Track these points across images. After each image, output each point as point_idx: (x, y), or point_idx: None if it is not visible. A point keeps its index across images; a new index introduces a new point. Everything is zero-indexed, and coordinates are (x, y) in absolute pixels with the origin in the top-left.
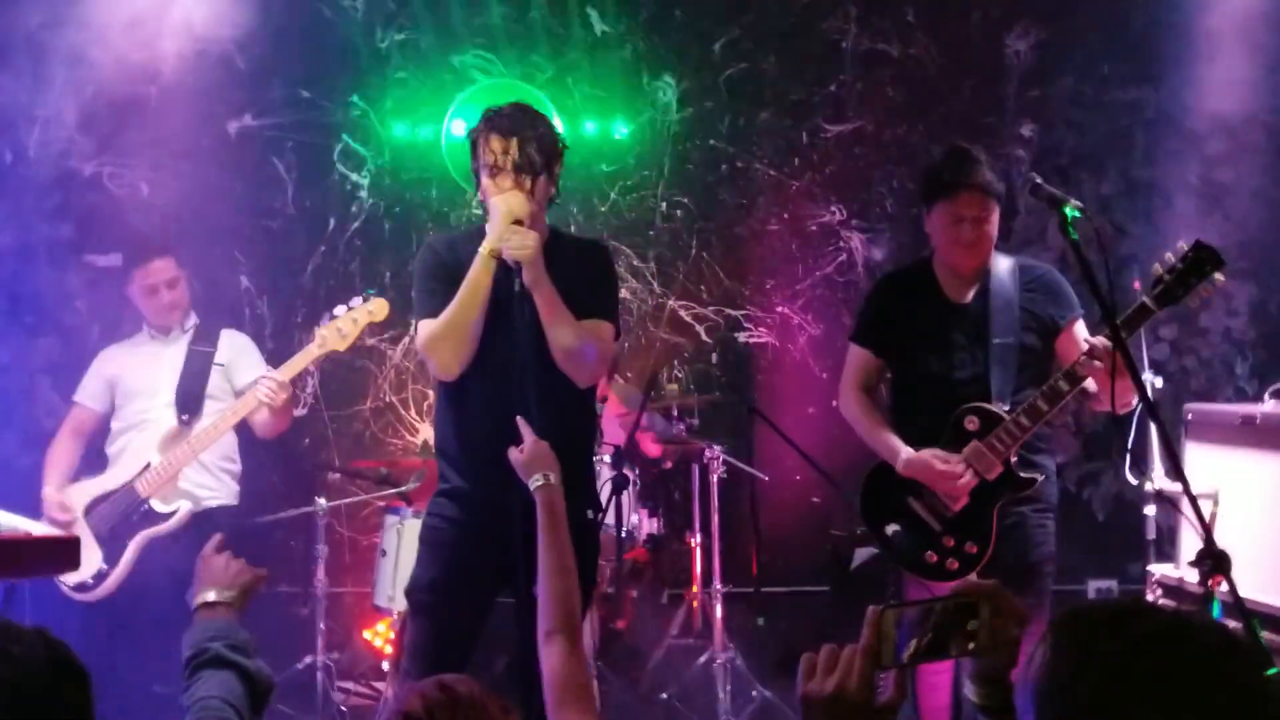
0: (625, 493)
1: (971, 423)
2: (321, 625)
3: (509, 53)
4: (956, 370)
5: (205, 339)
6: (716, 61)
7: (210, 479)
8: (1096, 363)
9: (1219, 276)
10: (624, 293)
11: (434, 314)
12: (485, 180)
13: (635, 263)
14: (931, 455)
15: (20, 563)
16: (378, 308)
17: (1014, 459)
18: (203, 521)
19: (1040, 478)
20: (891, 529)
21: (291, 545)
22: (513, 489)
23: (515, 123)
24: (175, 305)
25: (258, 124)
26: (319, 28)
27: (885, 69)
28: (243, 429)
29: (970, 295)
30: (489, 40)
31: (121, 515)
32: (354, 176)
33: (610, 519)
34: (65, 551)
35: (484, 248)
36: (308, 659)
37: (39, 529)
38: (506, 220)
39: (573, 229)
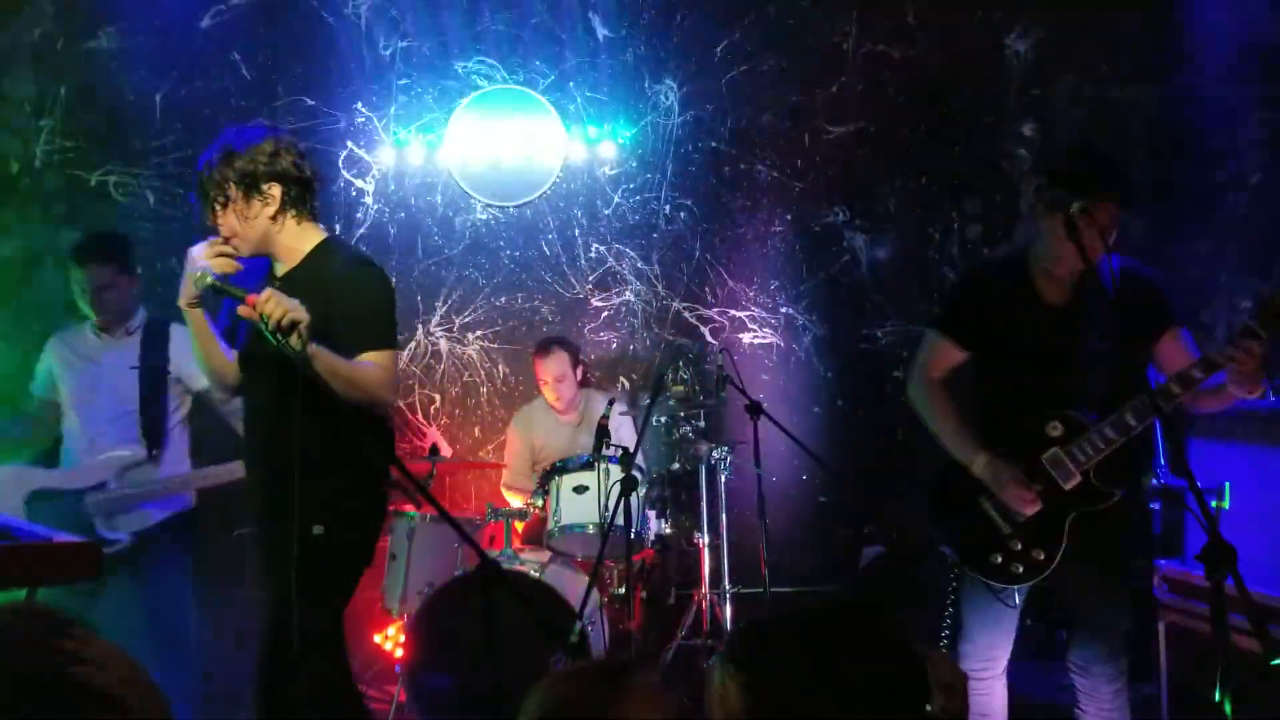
0: (634, 494)
1: (1055, 429)
2: None
3: (511, 59)
4: (1045, 373)
5: (156, 341)
6: (717, 65)
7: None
8: (1249, 346)
9: None
10: (628, 295)
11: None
12: None
13: (639, 265)
14: (1009, 469)
15: (41, 569)
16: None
17: (1094, 470)
18: (149, 543)
19: (1118, 494)
20: (955, 529)
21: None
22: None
23: (199, 172)
24: (109, 309)
25: None
26: (323, 36)
27: (886, 70)
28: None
29: (1067, 296)
30: (491, 46)
31: (60, 522)
32: (359, 183)
33: (619, 520)
34: (87, 558)
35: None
36: None
37: (61, 535)
38: (189, 280)
39: (577, 233)
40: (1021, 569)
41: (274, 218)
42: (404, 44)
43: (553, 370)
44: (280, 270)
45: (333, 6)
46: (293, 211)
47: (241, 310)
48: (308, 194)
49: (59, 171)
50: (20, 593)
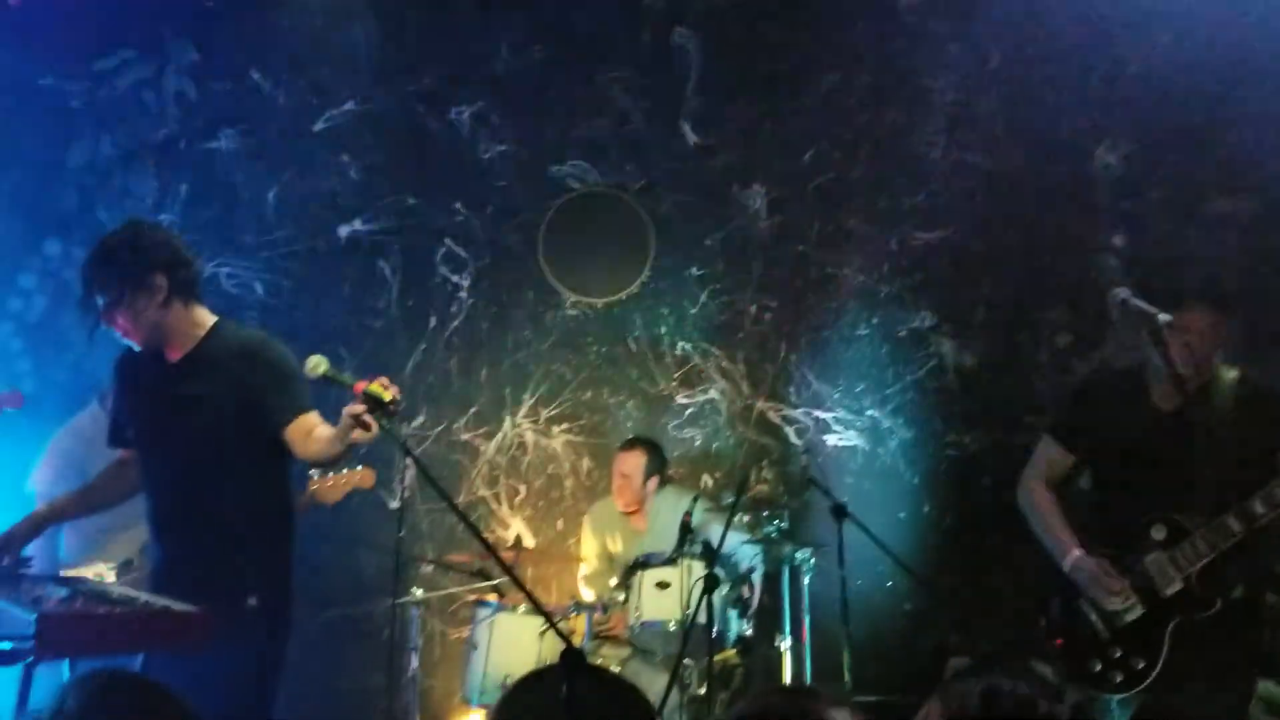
0: (716, 593)
1: (1159, 531)
2: (416, 719)
3: (603, 162)
4: (1154, 480)
5: None
6: (805, 170)
7: None
8: None
9: None
10: (713, 393)
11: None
12: None
13: (724, 364)
14: (1099, 563)
15: (154, 636)
16: (366, 476)
17: (1196, 575)
18: None
19: (1218, 602)
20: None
21: (382, 637)
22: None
23: (83, 275)
24: None
25: (366, 229)
26: (426, 140)
27: (974, 180)
28: None
29: (1181, 404)
30: (584, 151)
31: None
32: (455, 278)
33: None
34: (198, 625)
35: None
36: None
37: (176, 604)
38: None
39: (663, 330)
40: (1121, 677)
41: (163, 305)
42: (501, 148)
43: (622, 466)
44: (175, 355)
45: (436, 113)
46: (179, 297)
47: (355, 404)
48: (192, 277)
49: None
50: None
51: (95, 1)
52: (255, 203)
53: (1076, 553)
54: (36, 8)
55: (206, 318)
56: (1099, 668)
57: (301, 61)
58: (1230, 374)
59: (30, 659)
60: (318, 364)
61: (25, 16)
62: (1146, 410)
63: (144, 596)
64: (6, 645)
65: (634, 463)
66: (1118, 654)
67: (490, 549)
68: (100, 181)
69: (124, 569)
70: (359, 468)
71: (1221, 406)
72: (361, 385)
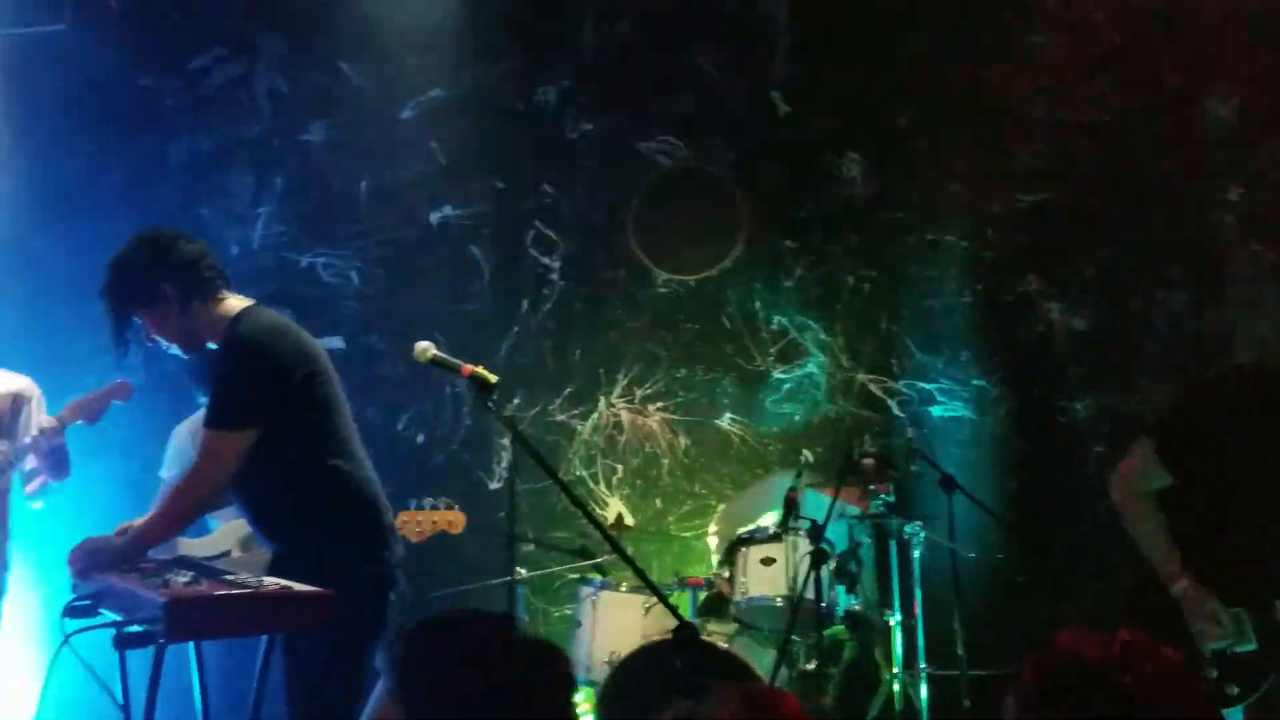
0: (823, 568)
1: None
2: None
3: (693, 137)
4: (1258, 501)
5: None
6: (902, 135)
7: None
8: None
9: None
10: (811, 367)
11: None
12: None
13: (822, 337)
14: (1206, 602)
15: (281, 617)
16: (456, 519)
17: None
18: None
19: None
20: None
21: None
22: None
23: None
24: None
25: (456, 214)
26: (513, 123)
27: (1080, 138)
28: None
29: None
30: (674, 126)
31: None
32: (545, 260)
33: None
34: (321, 605)
35: None
36: None
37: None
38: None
39: (758, 305)
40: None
41: (180, 312)
42: (589, 126)
43: None
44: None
45: (522, 95)
46: (194, 298)
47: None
48: (201, 275)
49: (273, 254)
50: None
51: (189, 1)
52: (347, 193)
53: (1184, 583)
54: (134, 9)
55: (233, 307)
56: None
57: (388, 50)
58: None
59: (161, 641)
60: (425, 349)
61: (124, 19)
62: (1256, 421)
63: (265, 579)
64: (138, 628)
65: None
66: (1212, 673)
67: (599, 525)
68: (199, 178)
69: (220, 560)
70: (455, 509)
71: None
72: (468, 369)
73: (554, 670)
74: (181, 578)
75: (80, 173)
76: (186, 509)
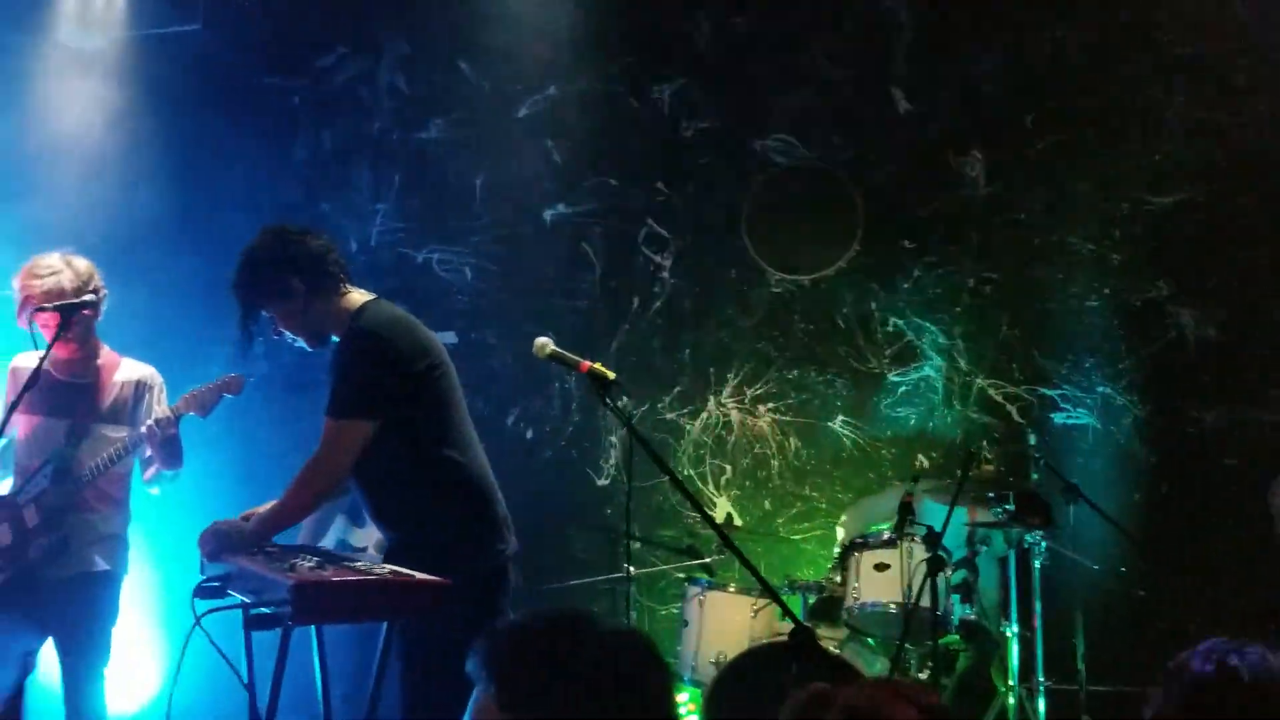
0: (939, 576)
1: None
2: None
3: (809, 135)
4: None
5: None
6: (1028, 135)
7: None
8: None
9: None
10: (928, 370)
11: None
12: None
13: (940, 340)
14: None
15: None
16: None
17: None
18: None
19: None
20: None
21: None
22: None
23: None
24: None
25: (570, 211)
26: (627, 120)
27: (1214, 137)
28: None
29: None
30: (790, 124)
31: None
32: (657, 258)
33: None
34: (437, 593)
35: None
36: None
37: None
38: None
39: (874, 306)
40: None
41: (306, 305)
42: (703, 125)
43: None
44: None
45: (637, 93)
46: (321, 291)
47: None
48: (327, 270)
49: (390, 250)
50: None
51: (316, 1)
52: (463, 190)
53: None
54: (263, 10)
55: (356, 300)
56: None
57: (505, 48)
58: None
59: (288, 623)
60: (544, 345)
61: (254, 20)
62: None
63: (387, 566)
64: (268, 610)
65: None
66: None
67: (714, 525)
68: (321, 174)
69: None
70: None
71: None
72: (586, 365)
73: (658, 670)
74: (307, 563)
75: (207, 168)
76: (308, 497)
